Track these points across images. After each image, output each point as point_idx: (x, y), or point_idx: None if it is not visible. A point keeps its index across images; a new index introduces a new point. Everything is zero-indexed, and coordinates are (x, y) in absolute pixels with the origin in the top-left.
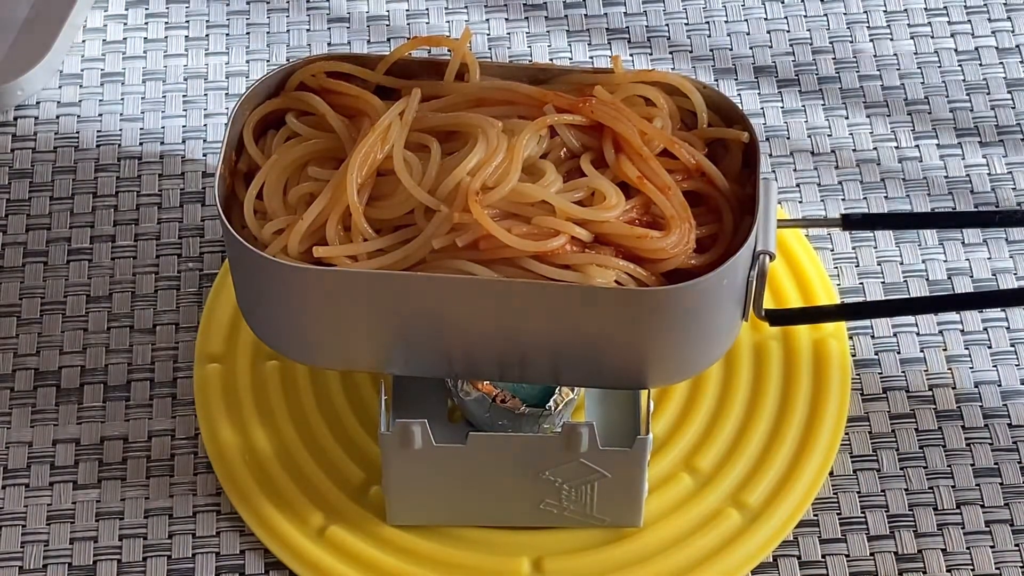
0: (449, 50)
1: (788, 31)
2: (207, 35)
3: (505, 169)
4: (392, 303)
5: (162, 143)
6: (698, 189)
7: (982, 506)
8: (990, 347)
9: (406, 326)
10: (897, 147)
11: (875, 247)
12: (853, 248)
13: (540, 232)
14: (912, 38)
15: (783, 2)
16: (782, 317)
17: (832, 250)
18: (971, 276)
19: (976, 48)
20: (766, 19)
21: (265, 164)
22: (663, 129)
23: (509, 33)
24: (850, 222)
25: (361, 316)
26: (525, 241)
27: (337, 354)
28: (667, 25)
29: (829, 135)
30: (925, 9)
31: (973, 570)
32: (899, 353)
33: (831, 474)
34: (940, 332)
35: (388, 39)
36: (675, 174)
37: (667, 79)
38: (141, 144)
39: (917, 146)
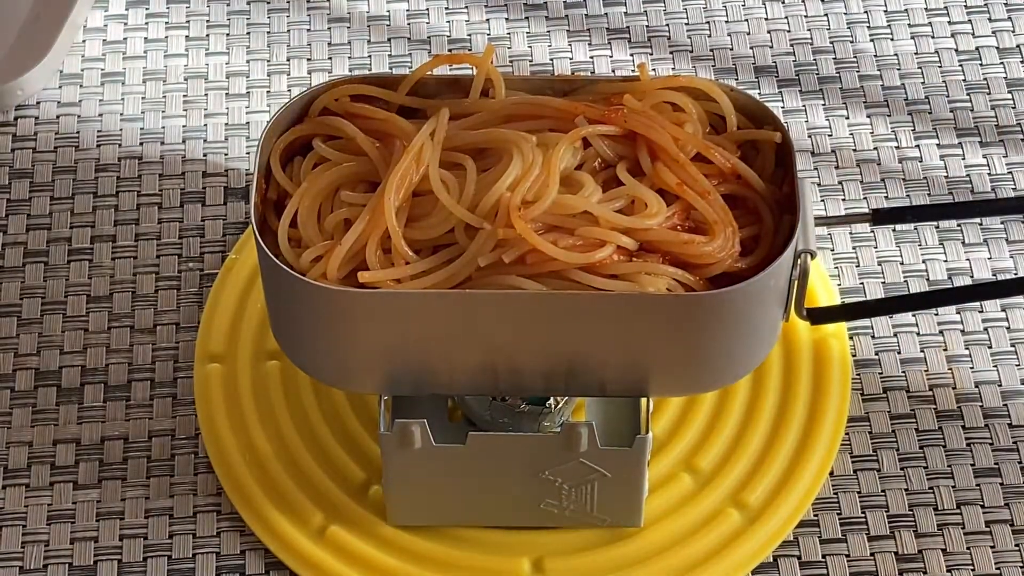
0: (472, 67)
1: (788, 31)
2: (207, 35)
3: (543, 182)
4: (441, 323)
5: (162, 143)
6: (735, 192)
7: (982, 506)
8: (990, 347)
9: (454, 345)
10: (897, 147)
11: (875, 247)
12: (853, 248)
13: (586, 243)
14: (912, 38)
15: (783, 2)
16: (823, 315)
17: (832, 250)
18: (971, 276)
19: (976, 48)
20: (766, 19)
21: (297, 191)
22: (695, 134)
23: (509, 33)
24: (880, 216)
25: (408, 338)
26: (573, 253)
27: (379, 379)
28: (667, 25)
29: (829, 135)
30: (925, 9)
31: (973, 570)
32: (899, 353)
33: (831, 474)
34: (940, 332)
35: (388, 39)
36: (711, 178)
37: (694, 84)
38: (141, 144)
39: (917, 146)
